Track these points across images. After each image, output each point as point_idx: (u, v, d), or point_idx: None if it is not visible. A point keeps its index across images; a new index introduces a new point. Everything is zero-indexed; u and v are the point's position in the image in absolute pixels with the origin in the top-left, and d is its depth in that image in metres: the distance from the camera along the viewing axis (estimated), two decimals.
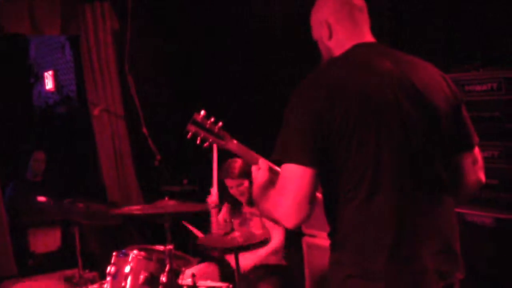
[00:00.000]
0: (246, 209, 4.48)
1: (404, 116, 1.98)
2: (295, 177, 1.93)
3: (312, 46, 2.31)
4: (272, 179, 2.24)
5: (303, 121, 1.94)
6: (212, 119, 2.49)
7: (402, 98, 1.99)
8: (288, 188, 1.95)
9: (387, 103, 1.96)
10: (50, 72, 8.36)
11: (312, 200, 1.94)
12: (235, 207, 4.51)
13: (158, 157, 5.76)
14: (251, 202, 4.42)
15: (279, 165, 2.07)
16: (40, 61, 8.70)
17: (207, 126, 2.47)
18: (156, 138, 6.01)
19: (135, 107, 6.52)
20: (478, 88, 3.35)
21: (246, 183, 4.35)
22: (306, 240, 4.43)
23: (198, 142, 2.48)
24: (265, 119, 5.49)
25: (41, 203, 5.33)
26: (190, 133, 2.46)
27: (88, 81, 6.58)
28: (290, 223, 1.97)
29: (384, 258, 1.93)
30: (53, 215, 5.39)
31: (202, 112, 2.48)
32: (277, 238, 4.31)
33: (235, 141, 2.50)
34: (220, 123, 2.49)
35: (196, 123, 2.47)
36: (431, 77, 2.12)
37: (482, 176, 2.24)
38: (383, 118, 1.95)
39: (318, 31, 2.23)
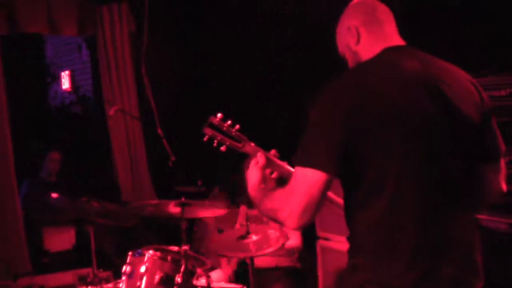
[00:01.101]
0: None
1: (431, 124, 1.94)
2: (309, 181, 1.91)
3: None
4: (266, 175, 2.26)
5: (329, 126, 1.91)
6: (229, 122, 2.47)
7: (430, 105, 1.95)
8: (299, 190, 1.92)
9: (415, 111, 1.93)
10: (67, 72, 8.40)
11: (319, 206, 1.92)
12: (251, 206, 4.52)
13: (173, 158, 5.77)
14: None
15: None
16: (56, 61, 8.74)
17: (224, 129, 2.45)
18: (170, 139, 6.03)
19: (150, 108, 6.55)
20: (495, 93, 3.34)
21: None
22: (320, 243, 4.44)
23: (215, 145, 2.47)
24: (278, 121, 5.53)
25: (55, 201, 5.38)
26: (206, 137, 2.45)
27: (104, 81, 6.63)
28: (292, 225, 1.95)
29: (402, 267, 1.91)
30: (67, 214, 5.42)
31: (219, 115, 2.47)
32: (294, 238, 4.30)
33: (252, 144, 2.47)
34: (237, 126, 2.47)
35: (212, 126, 2.45)
36: (461, 84, 2.07)
37: (504, 186, 2.21)
38: (410, 126, 1.92)
39: (345, 39, 2.20)
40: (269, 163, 2.35)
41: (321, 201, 1.92)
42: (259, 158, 2.31)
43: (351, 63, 2.22)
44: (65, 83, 8.45)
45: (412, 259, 1.92)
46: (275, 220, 2.04)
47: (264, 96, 5.83)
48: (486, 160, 2.12)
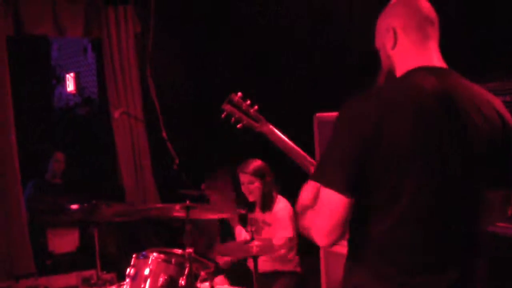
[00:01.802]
0: (259, 216, 4.49)
1: (449, 146, 1.89)
2: (331, 202, 1.90)
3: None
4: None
5: (348, 146, 1.87)
6: (249, 102, 2.49)
7: (450, 130, 1.90)
8: (324, 212, 1.93)
9: (434, 135, 1.88)
10: (72, 74, 8.43)
11: (345, 224, 1.92)
12: (251, 210, 4.53)
13: (177, 161, 5.78)
14: (264, 207, 4.45)
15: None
16: (62, 63, 8.78)
17: (243, 107, 2.47)
18: (175, 142, 6.03)
19: (155, 110, 6.56)
20: (500, 99, 3.32)
21: (257, 183, 4.40)
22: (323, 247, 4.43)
23: (232, 121, 2.49)
24: (287, 122, 5.53)
25: (60, 202, 5.37)
26: (225, 113, 2.48)
27: (109, 83, 6.64)
28: (323, 243, 1.97)
29: (398, 282, 1.91)
30: (72, 215, 5.43)
31: (239, 93, 2.50)
32: (286, 230, 4.31)
33: (270, 126, 2.48)
34: (256, 106, 2.49)
35: (232, 103, 2.48)
36: (486, 108, 1.97)
37: (509, 213, 2.15)
38: (429, 148, 1.87)
39: (382, 38, 2.08)
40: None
41: (345, 222, 1.91)
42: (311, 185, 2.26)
43: (384, 64, 2.13)
44: (70, 85, 8.49)
45: (410, 277, 1.91)
46: (308, 237, 2.04)
47: (272, 98, 5.83)
48: (496, 186, 2.04)
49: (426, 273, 1.92)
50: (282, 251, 4.24)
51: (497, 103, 2.04)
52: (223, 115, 2.48)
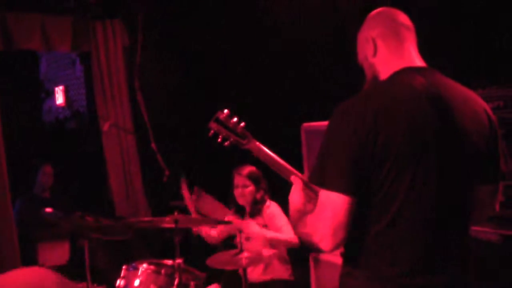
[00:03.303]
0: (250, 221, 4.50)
1: (441, 147, 1.95)
2: (333, 204, 1.91)
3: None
4: (309, 195, 2.22)
5: (345, 147, 1.90)
6: (235, 119, 2.50)
7: (441, 129, 1.95)
8: (326, 214, 1.92)
9: (426, 135, 1.93)
10: (61, 87, 8.44)
11: (348, 226, 1.91)
12: (241, 215, 4.54)
13: (167, 172, 5.79)
14: (253, 213, 4.47)
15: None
16: (50, 77, 8.79)
17: (230, 125, 2.49)
18: (165, 154, 6.05)
19: (144, 123, 6.58)
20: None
21: (251, 187, 4.42)
22: (313, 255, 4.45)
23: (219, 140, 2.51)
24: (277, 136, 5.55)
25: (50, 216, 5.36)
26: (212, 131, 2.50)
27: (98, 96, 6.65)
28: (327, 247, 1.94)
29: (397, 283, 1.94)
30: (62, 229, 5.42)
31: (226, 111, 2.52)
32: (291, 233, 4.28)
33: (257, 143, 2.50)
34: (243, 123, 2.50)
35: (218, 121, 2.50)
36: (472, 107, 2.06)
37: (496, 208, 2.22)
38: (421, 149, 1.92)
39: (363, 50, 2.18)
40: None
41: (348, 223, 1.91)
42: (295, 181, 2.30)
43: (368, 74, 2.20)
44: (59, 99, 8.50)
45: (406, 278, 1.94)
46: (311, 243, 2.02)
47: (260, 110, 5.86)
48: (484, 183, 2.11)
49: (426, 272, 1.95)
50: (273, 258, 4.26)
51: (481, 101, 2.12)
52: (210, 134, 2.49)
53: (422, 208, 1.94)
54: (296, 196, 2.22)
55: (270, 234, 4.23)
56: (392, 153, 1.89)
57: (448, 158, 1.96)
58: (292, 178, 2.32)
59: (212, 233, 4.63)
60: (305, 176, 2.31)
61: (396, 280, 1.94)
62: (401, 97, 1.96)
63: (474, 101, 2.09)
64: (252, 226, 4.21)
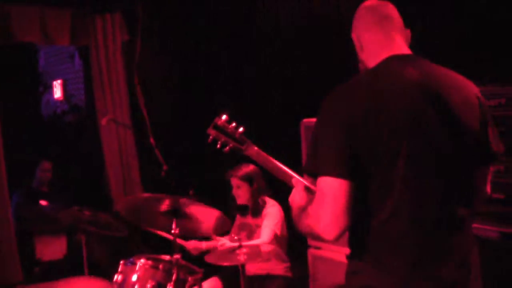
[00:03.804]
0: (251, 221, 4.51)
1: (433, 131, 1.96)
2: (332, 189, 1.90)
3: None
4: (310, 197, 2.18)
5: (337, 133, 1.91)
6: (234, 124, 2.50)
7: (431, 112, 1.97)
8: (326, 201, 1.91)
9: (417, 118, 1.95)
10: (59, 81, 8.41)
11: (350, 211, 1.90)
12: (244, 213, 4.55)
13: (165, 167, 5.77)
14: (254, 212, 4.47)
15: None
16: (49, 70, 8.75)
17: (228, 130, 2.48)
18: (163, 148, 6.03)
19: (142, 117, 6.56)
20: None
21: (245, 188, 4.45)
22: (311, 252, 4.44)
23: (218, 146, 2.49)
24: (275, 129, 5.54)
25: (46, 209, 5.36)
26: (210, 137, 2.48)
27: (96, 91, 6.63)
28: (330, 235, 1.92)
29: (402, 275, 1.93)
30: (60, 223, 5.41)
31: (224, 117, 2.50)
32: (266, 235, 4.30)
33: (256, 148, 2.49)
34: (242, 129, 2.49)
35: (217, 128, 2.48)
36: (462, 91, 2.08)
37: (488, 189, 2.24)
38: (414, 133, 1.93)
39: (355, 45, 2.23)
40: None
41: (349, 208, 1.90)
42: (296, 183, 2.27)
43: (360, 68, 2.24)
44: (58, 92, 8.46)
45: (413, 265, 1.93)
46: (314, 236, 2.00)
47: (260, 104, 5.85)
48: (478, 164, 2.13)
49: (429, 262, 1.94)
50: (272, 254, 4.24)
51: (472, 85, 2.14)
52: (209, 140, 2.48)
53: (421, 194, 1.94)
54: (298, 196, 2.19)
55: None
56: (384, 139, 1.90)
57: (442, 141, 1.97)
58: (294, 181, 2.30)
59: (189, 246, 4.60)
60: (306, 179, 2.29)
61: (401, 270, 1.93)
62: (390, 84, 1.99)
63: (464, 86, 2.11)
64: (224, 245, 4.21)
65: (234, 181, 4.49)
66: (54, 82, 8.50)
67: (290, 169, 2.39)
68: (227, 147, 2.48)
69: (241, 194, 4.47)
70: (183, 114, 6.67)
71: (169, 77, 6.82)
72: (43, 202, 5.36)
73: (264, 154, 2.49)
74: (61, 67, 8.46)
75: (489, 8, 3.91)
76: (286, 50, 5.55)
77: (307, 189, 2.19)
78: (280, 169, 2.42)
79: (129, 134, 6.70)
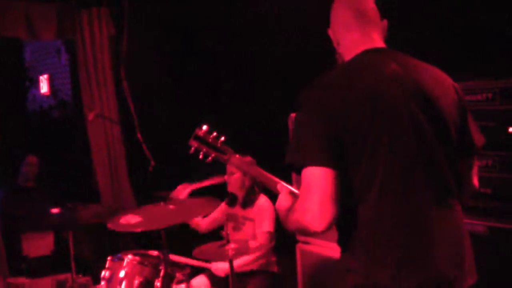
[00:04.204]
0: (240, 212, 4.50)
1: (414, 120, 1.97)
2: (317, 179, 1.89)
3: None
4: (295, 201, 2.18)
5: (317, 124, 1.92)
6: (215, 134, 2.51)
7: (411, 102, 1.98)
8: (312, 191, 1.90)
9: (397, 107, 1.96)
10: (45, 76, 8.35)
11: (336, 201, 1.88)
12: (232, 204, 4.53)
13: (152, 162, 5.76)
14: (245, 203, 4.48)
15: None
16: (35, 65, 8.69)
17: (210, 140, 2.50)
18: (150, 143, 6.02)
19: (130, 112, 6.53)
20: (473, 98, 3.36)
21: (237, 175, 4.42)
22: (300, 246, 4.44)
23: (200, 157, 2.50)
24: (261, 125, 5.54)
25: (56, 216, 5.31)
26: (192, 149, 2.50)
27: (83, 85, 6.60)
28: (319, 226, 1.90)
29: (394, 269, 1.91)
30: (46, 219, 5.39)
31: (204, 127, 2.52)
32: (269, 224, 4.32)
33: (237, 156, 2.50)
34: (223, 138, 2.51)
35: (198, 138, 2.50)
36: (440, 82, 2.11)
37: (476, 182, 2.25)
38: (395, 122, 1.94)
39: (332, 40, 2.25)
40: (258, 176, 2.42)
41: (336, 197, 1.88)
42: (282, 189, 2.26)
43: (338, 61, 2.25)
44: (44, 87, 8.41)
45: (403, 260, 1.92)
46: (302, 230, 1.98)
47: (247, 99, 5.83)
48: (462, 155, 2.14)
49: (420, 253, 1.93)
50: (261, 250, 4.24)
51: (447, 76, 2.17)
52: (191, 151, 2.50)
53: (407, 190, 1.94)
54: (284, 200, 2.18)
55: (237, 262, 4.17)
56: (365, 128, 1.91)
57: (425, 133, 1.98)
58: (279, 187, 2.29)
59: (202, 223, 4.62)
60: (293, 186, 2.30)
61: (393, 265, 1.92)
62: (368, 74, 2.01)
63: (443, 78, 2.15)
64: (220, 268, 4.22)
65: (228, 167, 4.46)
66: (41, 77, 8.45)
67: (274, 176, 2.39)
68: (210, 157, 2.50)
69: (233, 181, 4.45)
70: (171, 109, 6.64)
71: (156, 72, 6.79)
72: (55, 211, 5.22)
73: (246, 161, 2.52)
74: (47, 62, 8.41)
75: (475, 3, 3.92)
76: (276, 43, 5.53)
77: (292, 194, 2.19)
78: (265, 175, 2.43)
79: (116, 129, 6.67)
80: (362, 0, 2.20)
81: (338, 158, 1.90)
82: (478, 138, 2.20)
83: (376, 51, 2.13)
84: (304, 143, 1.94)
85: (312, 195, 1.90)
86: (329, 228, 1.92)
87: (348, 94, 1.94)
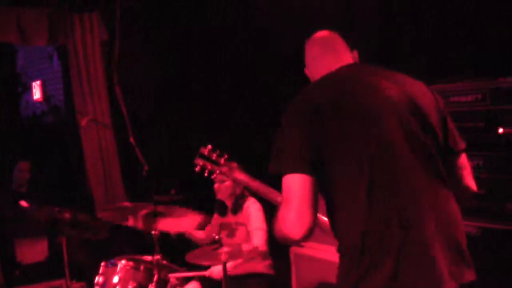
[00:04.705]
0: (232, 219, 4.50)
1: (403, 123, 2.01)
2: (294, 186, 1.95)
3: None
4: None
5: (295, 135, 1.98)
6: (218, 152, 2.71)
7: (393, 106, 2.03)
8: (290, 199, 1.95)
9: (377, 112, 2.00)
10: (38, 82, 8.35)
11: (314, 207, 1.94)
12: (223, 213, 4.54)
13: (146, 167, 5.75)
14: (235, 210, 4.48)
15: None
16: (28, 71, 8.69)
17: (214, 158, 2.70)
18: (143, 148, 6.01)
19: (122, 117, 6.52)
20: (463, 99, 3.38)
21: (228, 183, 4.43)
22: (293, 250, 4.44)
23: (206, 174, 2.71)
24: (255, 129, 5.54)
25: (25, 209, 5.31)
26: (198, 167, 2.70)
27: (75, 91, 6.57)
28: (297, 234, 1.94)
29: (391, 270, 1.92)
30: (40, 225, 5.37)
31: (208, 146, 2.72)
32: (259, 239, 4.31)
33: (240, 172, 2.66)
34: (226, 155, 2.70)
35: (203, 157, 2.71)
36: (420, 88, 2.17)
37: (470, 183, 2.26)
38: (373, 127, 1.98)
39: (309, 79, 2.38)
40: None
41: (313, 203, 1.94)
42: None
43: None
44: (37, 93, 8.41)
45: (400, 260, 1.92)
46: (285, 239, 2.01)
47: (239, 104, 5.84)
48: (450, 152, 2.17)
49: (415, 251, 1.93)
50: (257, 250, 4.24)
51: (427, 86, 2.23)
52: (197, 169, 2.70)
53: (391, 190, 1.96)
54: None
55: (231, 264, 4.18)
56: (343, 136, 1.96)
57: (411, 136, 2.01)
58: (280, 200, 2.31)
59: (199, 234, 4.61)
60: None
61: (388, 266, 1.92)
62: (343, 84, 2.10)
63: (419, 83, 2.20)
64: (215, 272, 4.22)
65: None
66: (34, 83, 8.45)
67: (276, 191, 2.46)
68: (214, 174, 2.71)
69: (223, 189, 4.46)
70: (164, 113, 6.64)
71: (149, 77, 6.79)
72: (23, 203, 5.29)
73: (248, 177, 2.66)
74: (40, 68, 8.41)
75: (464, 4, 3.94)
76: (268, 42, 5.54)
77: None
78: (266, 188, 2.57)
79: (109, 134, 6.66)
80: (328, 38, 2.35)
81: (316, 165, 1.94)
82: (458, 138, 2.23)
83: (350, 65, 2.25)
84: (281, 151, 2.01)
85: (290, 203, 1.95)
86: (308, 235, 1.96)
87: (326, 105, 2.00)
